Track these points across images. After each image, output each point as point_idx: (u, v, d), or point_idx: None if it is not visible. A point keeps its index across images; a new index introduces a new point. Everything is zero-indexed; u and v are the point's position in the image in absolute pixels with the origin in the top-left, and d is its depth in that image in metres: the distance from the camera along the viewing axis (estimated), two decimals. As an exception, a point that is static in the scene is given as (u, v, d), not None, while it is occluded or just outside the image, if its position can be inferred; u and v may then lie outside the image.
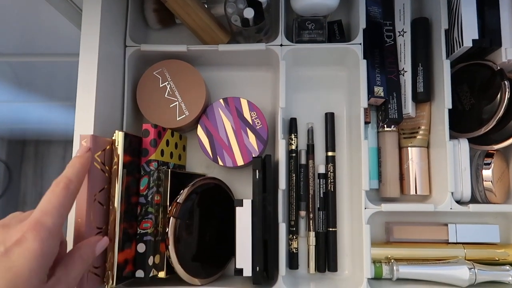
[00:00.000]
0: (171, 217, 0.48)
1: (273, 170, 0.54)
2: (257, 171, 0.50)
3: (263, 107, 0.58)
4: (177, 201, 0.49)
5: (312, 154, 0.59)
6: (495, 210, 0.51)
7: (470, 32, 0.51)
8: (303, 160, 0.58)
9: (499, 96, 0.50)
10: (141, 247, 0.48)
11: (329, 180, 0.58)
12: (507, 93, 0.50)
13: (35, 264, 0.29)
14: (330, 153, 0.58)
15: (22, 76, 1.05)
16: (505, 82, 0.50)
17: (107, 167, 0.47)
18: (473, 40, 0.51)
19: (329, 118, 0.59)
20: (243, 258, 0.49)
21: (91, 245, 0.38)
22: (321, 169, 0.58)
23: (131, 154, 0.48)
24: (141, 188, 0.49)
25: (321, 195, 0.58)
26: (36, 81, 1.09)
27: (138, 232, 0.49)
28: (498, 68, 0.51)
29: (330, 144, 0.58)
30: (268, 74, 0.60)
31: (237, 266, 0.49)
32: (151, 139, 0.50)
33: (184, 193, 0.50)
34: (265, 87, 0.60)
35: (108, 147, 0.47)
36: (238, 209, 0.50)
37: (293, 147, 0.59)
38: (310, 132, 0.59)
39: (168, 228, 0.48)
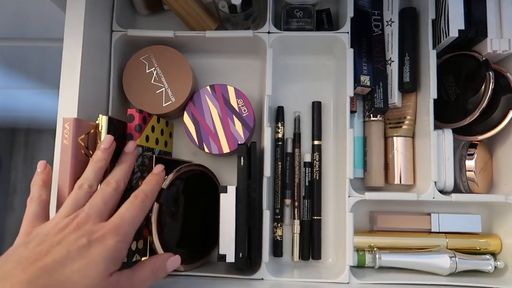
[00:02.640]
0: (155, 203, 0.48)
1: (258, 158, 0.54)
2: (242, 158, 0.50)
3: (251, 95, 0.58)
4: (162, 186, 0.49)
5: (299, 142, 0.59)
6: (477, 200, 0.52)
7: (456, 22, 0.51)
8: (289, 149, 0.59)
9: (483, 86, 0.50)
10: (124, 232, 0.48)
11: (315, 169, 0.58)
12: (491, 83, 0.50)
13: (109, 260, 0.32)
14: (316, 142, 0.58)
15: (13, 62, 1.03)
16: (490, 72, 0.50)
17: (90, 152, 0.46)
18: (459, 30, 0.51)
19: (316, 107, 0.59)
20: (227, 244, 0.49)
21: (164, 259, 0.41)
22: (307, 158, 0.58)
23: (115, 139, 0.48)
24: (125, 173, 0.49)
25: (307, 184, 0.58)
26: (27, 67, 1.08)
27: (122, 217, 0.49)
28: (483, 58, 0.51)
29: (317, 133, 0.59)
30: (256, 61, 0.60)
31: (220, 252, 0.49)
32: (136, 124, 0.50)
33: (168, 179, 0.50)
34: (252, 75, 0.60)
35: (92, 131, 0.47)
36: (222, 195, 0.50)
37: (280, 135, 0.59)
38: (297, 121, 0.59)
39: (152, 213, 0.48)
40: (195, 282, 0.50)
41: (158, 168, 0.46)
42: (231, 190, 0.50)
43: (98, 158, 0.42)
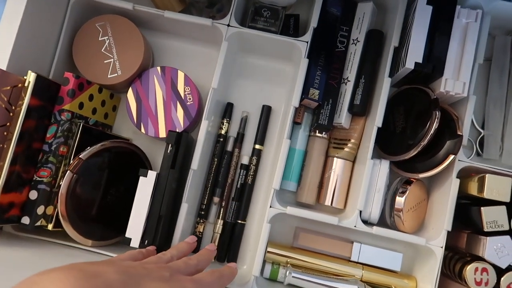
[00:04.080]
0: (68, 171, 0.47)
1: (192, 149, 0.53)
2: (169, 145, 0.49)
3: (202, 85, 0.57)
4: (80, 156, 0.48)
5: (240, 143, 0.58)
6: (397, 237, 0.50)
7: (415, 55, 0.49)
8: (229, 147, 0.57)
9: (428, 124, 0.49)
10: (33, 194, 0.47)
11: (250, 173, 0.56)
12: (435, 123, 0.48)
13: None
14: (257, 146, 0.57)
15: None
16: (437, 112, 0.49)
17: (12, 106, 0.45)
18: (416, 63, 0.49)
19: (265, 111, 0.58)
20: (135, 228, 0.48)
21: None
22: (245, 160, 0.57)
23: (42, 99, 0.47)
24: (48, 135, 0.48)
25: (238, 186, 0.56)
26: None
27: (34, 178, 0.47)
28: (434, 97, 0.50)
29: (260, 137, 0.57)
30: (214, 52, 0.58)
31: (127, 235, 0.48)
32: (69, 89, 0.49)
33: (89, 150, 0.48)
34: (208, 66, 0.59)
35: (20, 85, 0.46)
36: (141, 179, 0.48)
37: (223, 131, 0.57)
38: (243, 121, 0.58)
39: (62, 182, 0.47)
40: (95, 258, 0.48)
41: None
42: (151, 175, 0.48)
43: (182, 247, 0.45)
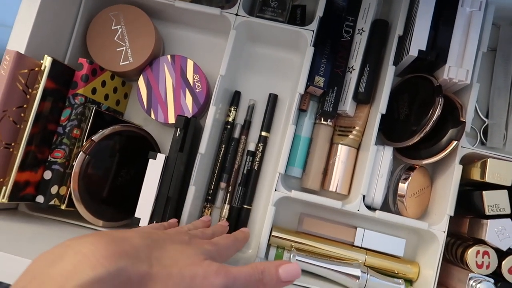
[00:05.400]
0: (81, 152, 0.49)
1: (200, 135, 0.54)
2: (178, 129, 0.51)
3: (211, 74, 0.59)
4: (92, 138, 0.50)
5: (247, 130, 0.59)
6: (400, 222, 0.51)
7: (418, 43, 0.50)
8: (236, 134, 0.59)
9: (431, 111, 0.50)
10: (47, 174, 0.49)
11: (256, 159, 0.58)
12: (438, 109, 0.49)
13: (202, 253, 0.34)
14: (263, 133, 0.58)
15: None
16: (440, 98, 0.49)
17: (29, 89, 0.47)
18: (420, 51, 0.50)
19: (272, 99, 0.59)
20: (144, 209, 0.50)
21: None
22: (251, 147, 0.58)
23: (58, 83, 0.49)
24: (62, 118, 0.50)
25: (245, 172, 0.58)
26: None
27: (49, 159, 0.49)
28: (437, 84, 0.51)
29: (266, 124, 0.58)
30: (223, 42, 0.60)
31: (136, 215, 0.49)
32: (83, 74, 0.51)
33: (101, 133, 0.50)
34: (217, 55, 0.60)
35: (36, 69, 0.48)
36: (151, 161, 0.50)
37: (230, 119, 0.59)
38: (250, 109, 0.59)
39: (75, 162, 0.48)
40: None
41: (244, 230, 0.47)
42: (160, 158, 0.50)
43: (198, 224, 0.47)
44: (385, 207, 0.55)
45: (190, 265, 0.32)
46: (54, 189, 0.49)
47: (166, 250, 0.32)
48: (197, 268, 0.31)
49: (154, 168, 0.50)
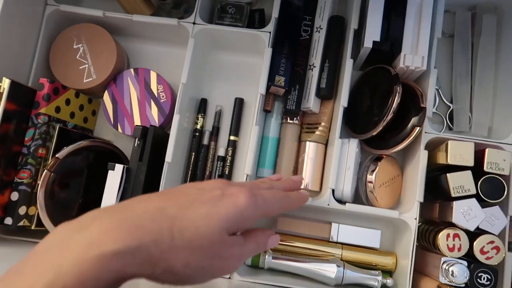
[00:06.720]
0: (46, 170, 0.49)
1: (166, 144, 0.55)
2: (137, 138, 0.51)
3: (176, 84, 0.59)
4: (56, 156, 0.50)
5: (216, 136, 0.59)
6: (371, 212, 0.51)
7: (372, 34, 0.51)
8: (205, 141, 0.59)
9: (390, 100, 0.50)
10: (14, 196, 0.49)
11: (226, 163, 0.58)
12: (397, 97, 0.49)
13: (233, 218, 0.31)
14: (232, 137, 0.59)
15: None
16: (398, 86, 0.50)
17: (-10, 112, 0.48)
18: (374, 42, 0.51)
19: (238, 103, 0.60)
20: (114, 221, 0.49)
21: (266, 235, 0.38)
22: (221, 152, 0.59)
23: (19, 104, 0.49)
24: (26, 138, 0.50)
25: (216, 177, 0.58)
26: None
27: (15, 180, 0.49)
28: (395, 73, 0.51)
29: (234, 128, 0.59)
30: (184, 52, 0.61)
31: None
32: (45, 93, 0.51)
33: (65, 150, 0.50)
34: (181, 65, 0.61)
35: (-4, 92, 0.48)
36: (110, 172, 0.50)
37: (198, 126, 0.59)
38: (218, 115, 0.60)
39: (40, 180, 0.49)
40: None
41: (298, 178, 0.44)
42: (119, 168, 0.50)
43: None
44: (358, 200, 0.55)
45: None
46: (22, 210, 0.49)
47: (191, 213, 0.30)
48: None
49: (113, 179, 0.50)
